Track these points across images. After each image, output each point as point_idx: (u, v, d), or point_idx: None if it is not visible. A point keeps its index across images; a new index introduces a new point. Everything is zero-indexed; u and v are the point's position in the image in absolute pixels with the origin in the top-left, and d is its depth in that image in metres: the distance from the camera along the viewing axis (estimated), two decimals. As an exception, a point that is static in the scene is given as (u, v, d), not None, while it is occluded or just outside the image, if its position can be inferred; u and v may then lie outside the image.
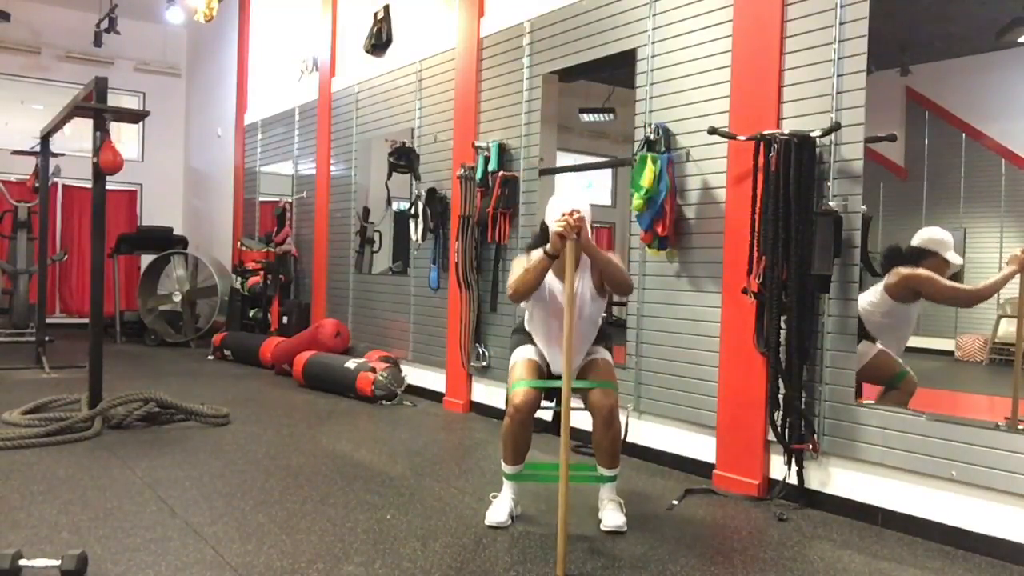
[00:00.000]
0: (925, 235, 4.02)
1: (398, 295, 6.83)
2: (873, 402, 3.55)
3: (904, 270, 3.87)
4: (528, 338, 3.43)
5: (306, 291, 8.41)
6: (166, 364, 8.14)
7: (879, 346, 3.86)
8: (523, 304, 3.34)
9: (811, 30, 3.70)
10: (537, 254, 3.15)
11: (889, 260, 3.95)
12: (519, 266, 3.22)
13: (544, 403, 3.35)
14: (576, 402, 3.15)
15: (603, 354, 3.36)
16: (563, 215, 2.95)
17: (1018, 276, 3.85)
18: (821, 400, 3.64)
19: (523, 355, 3.37)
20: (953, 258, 3.91)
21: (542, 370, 3.35)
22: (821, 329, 3.65)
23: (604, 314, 3.48)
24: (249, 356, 8.04)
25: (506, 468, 3.32)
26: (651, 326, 4.46)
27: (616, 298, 3.36)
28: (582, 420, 3.51)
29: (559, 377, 3.14)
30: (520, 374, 3.28)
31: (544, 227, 3.24)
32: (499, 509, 3.30)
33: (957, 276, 4.12)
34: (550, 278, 3.22)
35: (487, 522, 3.27)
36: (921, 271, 3.87)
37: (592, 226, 3.22)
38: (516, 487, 3.37)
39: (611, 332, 3.52)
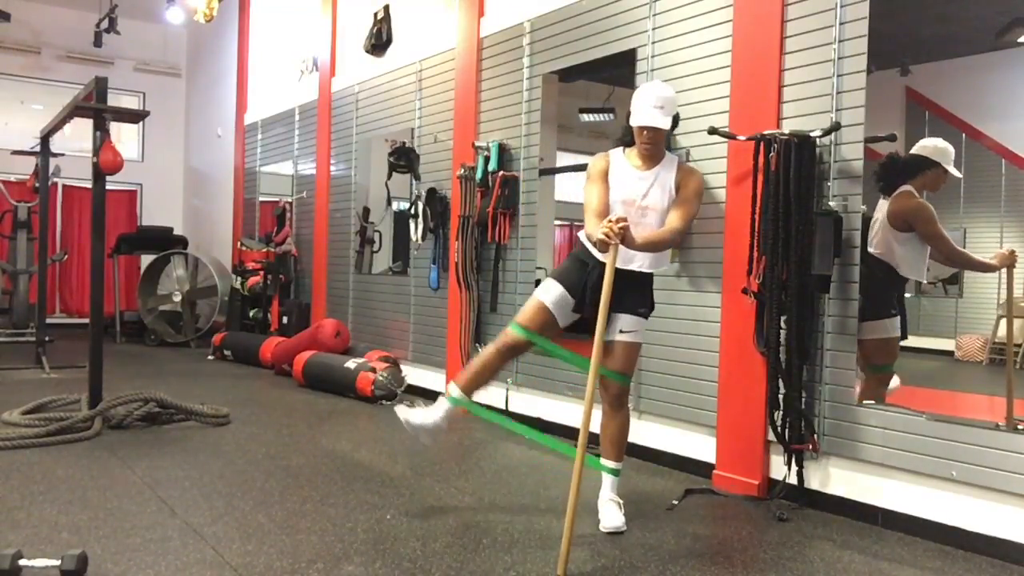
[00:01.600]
0: (929, 144, 3.92)
1: (398, 295, 6.83)
2: (873, 402, 3.55)
3: (903, 201, 3.79)
4: (572, 268, 3.33)
5: (306, 291, 8.41)
6: (166, 364, 8.14)
7: (899, 333, 3.85)
8: None
9: (811, 30, 3.70)
10: (619, 156, 3.29)
11: (888, 171, 3.85)
12: (590, 188, 3.26)
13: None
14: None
15: (632, 335, 3.27)
16: (608, 221, 2.96)
17: (1006, 275, 3.86)
18: (821, 400, 3.64)
19: (543, 293, 3.33)
20: (954, 171, 3.85)
21: (551, 320, 3.31)
22: (821, 329, 3.65)
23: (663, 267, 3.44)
24: (249, 356, 8.03)
25: (453, 391, 3.36)
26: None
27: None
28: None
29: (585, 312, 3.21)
30: (528, 312, 3.31)
31: (628, 119, 3.25)
32: (427, 415, 3.35)
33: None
34: (621, 176, 3.26)
35: (409, 419, 3.35)
36: (924, 207, 3.77)
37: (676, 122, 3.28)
38: (450, 413, 3.39)
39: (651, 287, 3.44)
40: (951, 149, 3.89)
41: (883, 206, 3.89)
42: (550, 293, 3.33)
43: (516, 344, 3.31)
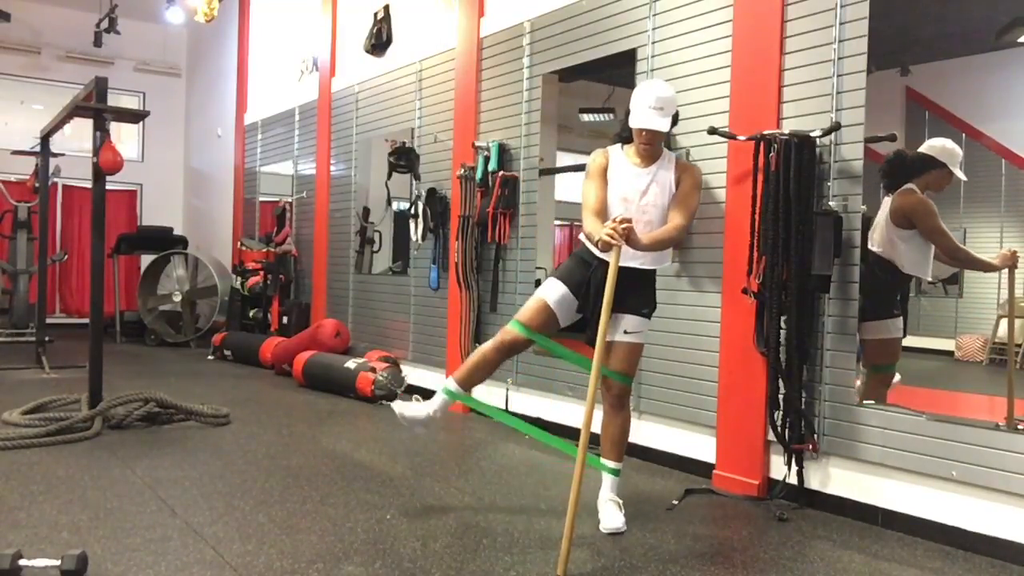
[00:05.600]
0: (936, 144, 3.91)
1: (398, 295, 6.83)
2: (873, 402, 3.55)
3: (904, 198, 3.79)
4: (575, 267, 3.33)
5: (306, 291, 8.41)
6: (166, 364, 8.14)
7: (900, 333, 3.84)
8: None
9: (811, 30, 3.70)
10: (617, 152, 3.30)
11: (893, 169, 3.84)
12: (589, 184, 3.26)
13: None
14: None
15: (635, 336, 3.28)
16: (612, 222, 2.95)
17: (1007, 276, 3.86)
18: (821, 400, 3.64)
19: (545, 291, 3.33)
20: (959, 173, 3.84)
21: (552, 318, 3.31)
22: (821, 329, 3.65)
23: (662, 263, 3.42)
24: (249, 356, 8.03)
25: (451, 384, 3.38)
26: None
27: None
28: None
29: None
30: (528, 310, 3.31)
31: (628, 115, 3.25)
32: (421, 408, 3.37)
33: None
34: (620, 173, 3.26)
35: (404, 412, 3.38)
36: (925, 203, 3.76)
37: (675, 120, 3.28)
38: (445, 405, 3.41)
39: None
40: (959, 151, 3.88)
41: (887, 204, 3.89)
42: (553, 292, 3.32)
43: (516, 342, 3.30)
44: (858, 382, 3.61)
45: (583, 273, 3.31)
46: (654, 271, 3.36)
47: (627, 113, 3.28)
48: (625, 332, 3.26)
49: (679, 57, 4.34)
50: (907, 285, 3.94)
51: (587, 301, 3.28)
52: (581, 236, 3.37)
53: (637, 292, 3.27)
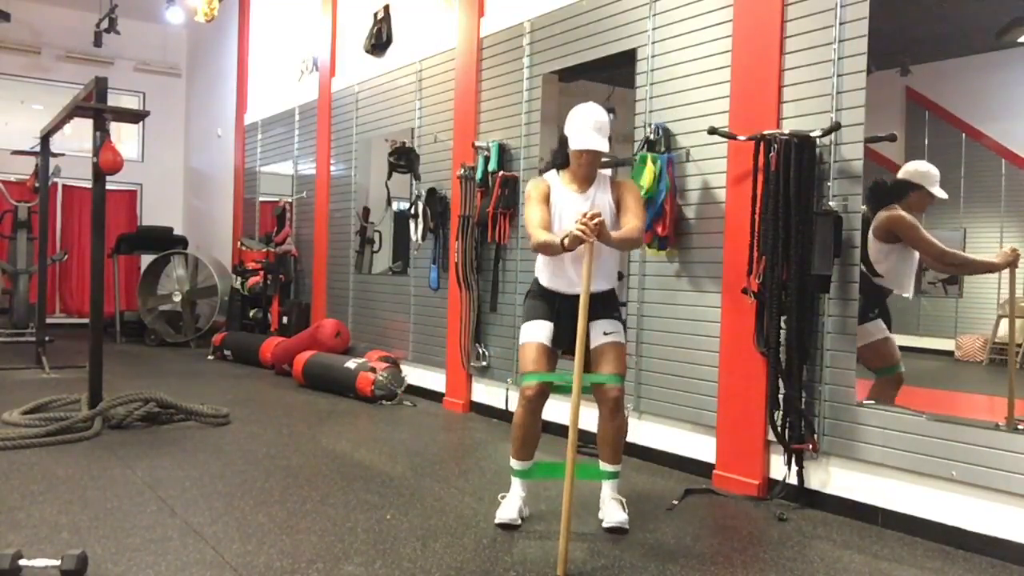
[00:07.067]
0: (911, 168, 4.01)
1: (398, 295, 6.83)
2: (873, 402, 3.55)
3: (885, 214, 3.85)
4: (540, 303, 3.36)
5: (306, 291, 8.41)
6: (166, 364, 8.14)
7: (887, 333, 3.86)
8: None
9: (811, 30, 3.70)
10: (553, 176, 3.32)
11: (875, 195, 3.89)
12: (533, 207, 3.23)
13: (554, 395, 3.34)
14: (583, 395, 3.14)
15: (615, 335, 3.30)
16: (583, 217, 2.95)
17: (1007, 275, 3.86)
18: (821, 400, 3.64)
19: (533, 334, 3.33)
20: (938, 192, 3.91)
21: (553, 354, 3.33)
22: (821, 329, 3.65)
23: (620, 272, 3.46)
24: (249, 356, 8.03)
25: (515, 464, 3.32)
26: (651, 326, 4.46)
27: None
28: (586, 422, 3.50)
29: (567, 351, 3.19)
30: (531, 360, 3.28)
31: (562, 141, 3.27)
32: (509, 507, 3.29)
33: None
34: (561, 200, 3.26)
35: (497, 520, 3.26)
36: (903, 216, 3.83)
37: (610, 143, 3.27)
38: (525, 486, 3.36)
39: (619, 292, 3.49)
40: (934, 171, 3.94)
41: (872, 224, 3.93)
42: (540, 331, 3.33)
43: (538, 394, 3.24)
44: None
45: (550, 307, 3.33)
46: (613, 289, 3.41)
47: (560, 141, 3.31)
48: (606, 333, 3.29)
49: (679, 57, 4.34)
50: (881, 292, 3.95)
51: (563, 331, 3.31)
52: (536, 272, 3.40)
53: (603, 305, 3.31)
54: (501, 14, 5.70)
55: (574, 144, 3.22)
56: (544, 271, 3.38)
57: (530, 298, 3.45)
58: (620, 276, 3.66)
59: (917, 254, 3.96)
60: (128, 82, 11.92)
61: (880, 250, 3.88)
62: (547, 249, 3.15)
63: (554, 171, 3.37)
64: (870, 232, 3.88)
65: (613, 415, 3.24)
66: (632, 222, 3.22)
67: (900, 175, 4.00)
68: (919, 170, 3.96)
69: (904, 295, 3.99)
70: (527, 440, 3.29)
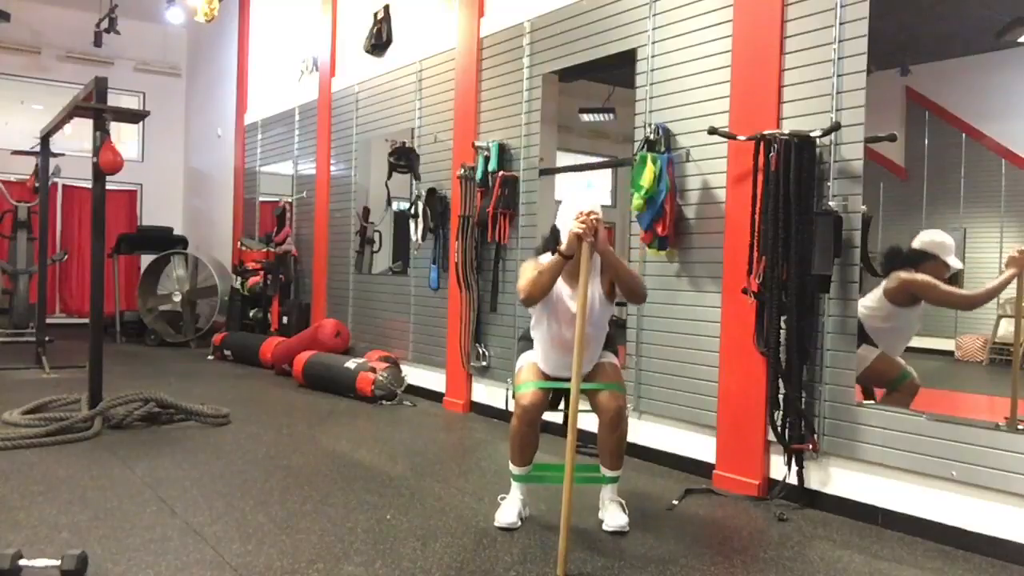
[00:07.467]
0: (927, 238, 4.00)
1: (398, 295, 6.83)
2: (873, 402, 3.55)
3: (903, 275, 3.86)
4: (533, 346, 3.40)
5: (306, 291, 8.41)
6: (166, 364, 8.14)
7: (879, 349, 3.86)
8: (530, 309, 3.30)
9: (811, 30, 3.70)
10: (548, 258, 3.15)
11: (889, 262, 3.94)
12: (529, 269, 3.18)
13: (550, 413, 3.34)
14: (583, 404, 3.13)
15: (610, 358, 3.35)
16: (581, 214, 2.94)
17: (1017, 277, 3.85)
18: (821, 400, 3.64)
19: (530, 359, 3.36)
20: (953, 263, 3.91)
21: (548, 377, 3.34)
22: (821, 329, 3.65)
23: (613, 316, 3.45)
24: (249, 356, 8.03)
25: (514, 469, 3.32)
26: (651, 326, 4.46)
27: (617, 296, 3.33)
28: (587, 422, 3.50)
29: (566, 379, 3.13)
30: (527, 376, 3.29)
31: (555, 231, 3.20)
32: (508, 510, 3.29)
33: (956, 277, 4.14)
34: (558, 283, 3.18)
35: (497, 523, 3.25)
36: (919, 276, 3.85)
37: (604, 225, 3.17)
38: (524, 488, 3.36)
39: (616, 334, 3.50)
40: (950, 241, 3.94)
41: (877, 292, 3.93)
42: (533, 356, 3.34)
43: (534, 403, 3.20)
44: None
45: (548, 377, 3.31)
46: (608, 330, 3.38)
47: (552, 230, 3.21)
48: (602, 357, 3.32)
49: (679, 57, 4.34)
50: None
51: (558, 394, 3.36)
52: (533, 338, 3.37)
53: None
54: (501, 14, 5.70)
55: (565, 237, 3.08)
56: (537, 349, 3.35)
57: (523, 340, 3.46)
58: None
59: (916, 320, 3.96)
60: (128, 82, 11.92)
61: (886, 310, 3.86)
62: (544, 279, 3.07)
63: (548, 253, 3.25)
64: (879, 291, 3.89)
65: (615, 426, 3.19)
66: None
67: (916, 244, 3.99)
68: (935, 240, 3.95)
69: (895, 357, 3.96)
70: (525, 449, 3.27)
